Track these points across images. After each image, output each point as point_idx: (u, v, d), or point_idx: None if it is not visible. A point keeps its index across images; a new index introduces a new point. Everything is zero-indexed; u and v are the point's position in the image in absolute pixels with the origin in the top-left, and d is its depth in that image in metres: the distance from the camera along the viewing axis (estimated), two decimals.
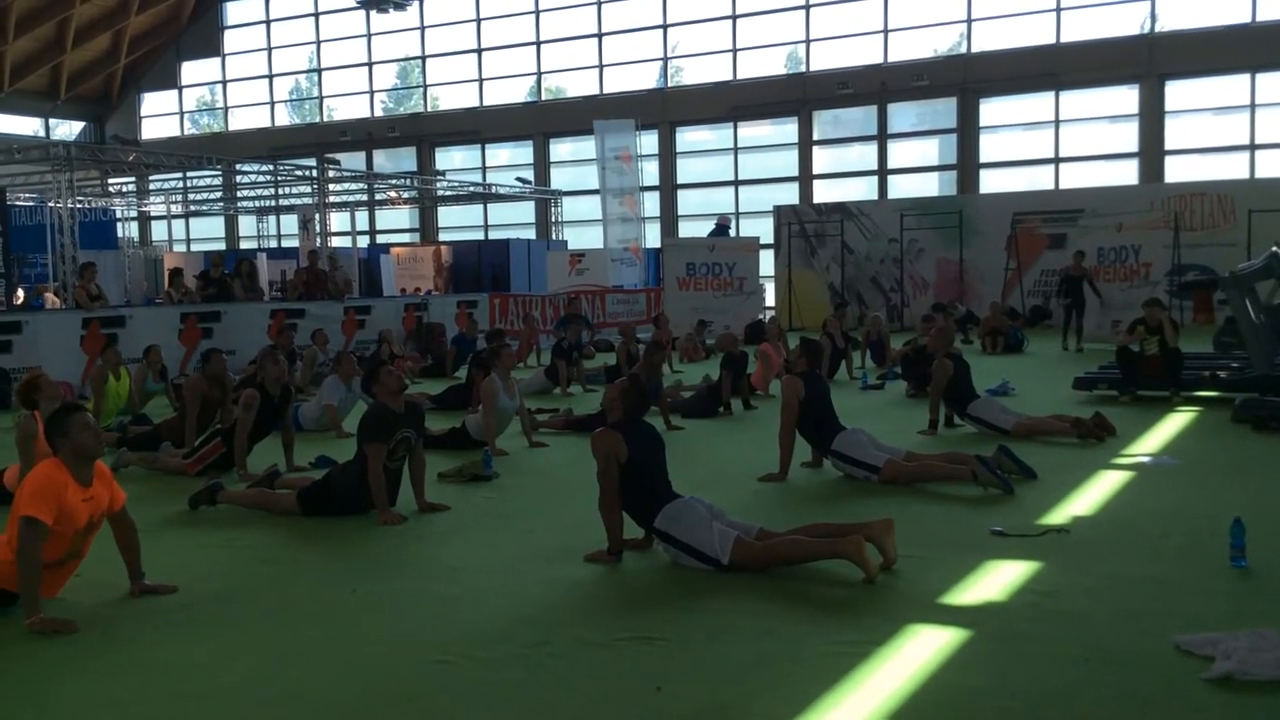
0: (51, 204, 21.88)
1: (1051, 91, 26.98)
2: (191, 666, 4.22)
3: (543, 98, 33.24)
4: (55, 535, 4.72)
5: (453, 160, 34.83)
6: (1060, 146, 27.28)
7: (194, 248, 36.75)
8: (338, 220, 32.83)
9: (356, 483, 6.60)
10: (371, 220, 35.90)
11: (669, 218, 31.46)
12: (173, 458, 8.58)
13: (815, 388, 7.64)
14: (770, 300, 26.62)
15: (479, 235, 33.37)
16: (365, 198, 31.85)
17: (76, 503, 4.78)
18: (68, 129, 38.62)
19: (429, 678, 4.02)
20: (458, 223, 35.05)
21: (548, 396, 13.13)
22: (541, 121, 32.80)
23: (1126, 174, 26.38)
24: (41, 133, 37.38)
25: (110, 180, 29.59)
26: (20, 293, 20.17)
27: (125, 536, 5.16)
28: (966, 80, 27.58)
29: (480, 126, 33.64)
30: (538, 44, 32.94)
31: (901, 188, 28.72)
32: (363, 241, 33.19)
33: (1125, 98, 26.61)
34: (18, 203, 24.79)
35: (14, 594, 4.74)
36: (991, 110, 28.06)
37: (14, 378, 12.98)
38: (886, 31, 28.64)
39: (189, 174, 29.86)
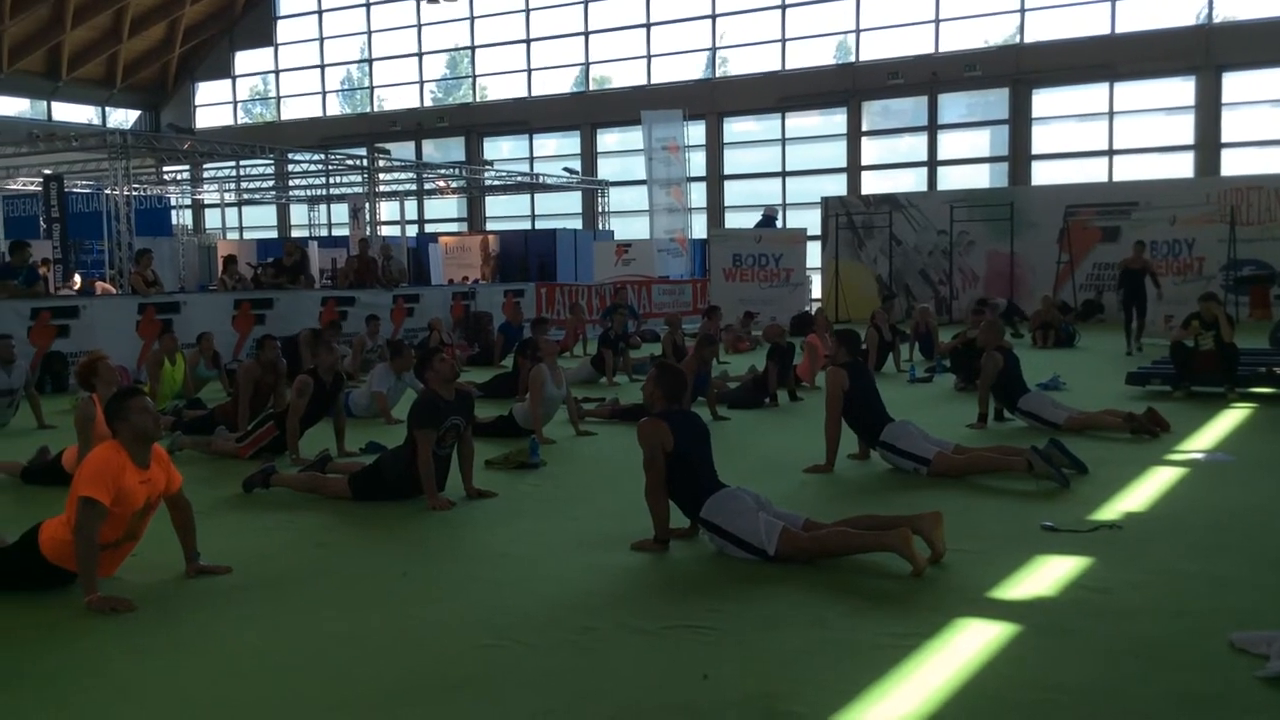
0: (108, 191, 22.26)
1: (1106, 83, 26.62)
2: (244, 646, 4.29)
3: (590, 88, 33.27)
4: (113, 516, 4.81)
5: (500, 150, 34.96)
6: (1114, 138, 26.89)
7: (246, 236, 37.23)
8: (387, 209, 33.12)
9: (406, 468, 6.67)
10: (420, 209, 36.16)
11: (715, 208, 31.39)
12: (227, 441, 8.71)
13: (860, 379, 7.61)
14: (817, 292, 26.50)
15: (526, 225, 33.51)
16: (414, 187, 32.07)
17: (134, 484, 4.87)
18: (123, 117, 39.20)
19: (477, 661, 4.06)
20: (505, 212, 35.20)
21: (594, 386, 13.16)
22: (589, 112, 32.84)
23: (1182, 167, 25.97)
24: (98, 121, 37.99)
25: (165, 168, 30.02)
26: (77, 278, 20.53)
27: (181, 518, 5.25)
28: (1019, 71, 27.27)
29: (528, 116, 33.75)
30: (586, 34, 32.97)
31: (952, 179, 28.44)
32: (411, 230, 33.43)
33: (1181, 89, 26.18)
34: (75, 190, 25.27)
35: (72, 572, 4.85)
36: (1044, 101, 27.71)
37: (72, 361, 13.26)
38: (938, 21, 28.36)
39: (242, 163, 30.21)
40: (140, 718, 3.65)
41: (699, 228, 29.98)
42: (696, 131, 30.52)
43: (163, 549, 5.32)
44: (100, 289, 19.30)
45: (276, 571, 5.36)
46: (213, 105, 39.89)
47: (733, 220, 30.34)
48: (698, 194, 30.88)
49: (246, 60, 39.07)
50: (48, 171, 23.19)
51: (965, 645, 4.13)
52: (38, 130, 31.14)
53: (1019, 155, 27.72)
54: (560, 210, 33.99)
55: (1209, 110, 25.66)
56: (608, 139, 33.39)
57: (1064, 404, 9.39)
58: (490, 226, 33.98)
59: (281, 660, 4.14)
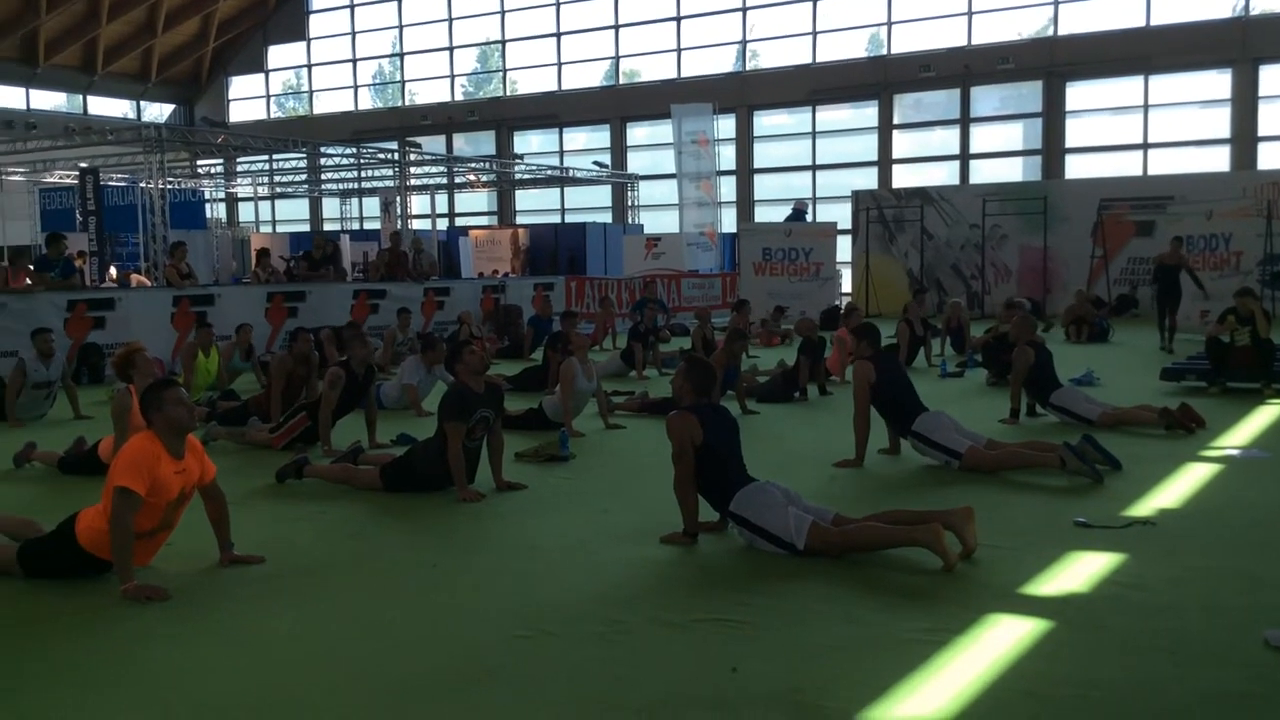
0: (143, 184, 22.45)
1: (1141, 75, 26.32)
2: (276, 635, 4.33)
3: (620, 81, 33.25)
4: (148, 506, 4.86)
5: (530, 144, 35.01)
6: (1149, 132, 26.59)
7: (279, 229, 37.47)
8: (418, 203, 33.23)
9: (436, 459, 6.71)
10: (451, 203, 36.26)
11: (745, 202, 31.31)
12: (259, 432, 8.78)
13: (887, 371, 7.57)
14: (847, 286, 26.40)
15: (556, 219, 33.53)
16: (445, 181, 32.17)
17: (169, 474, 4.92)
18: (158, 111, 39.53)
19: (507, 652, 4.08)
20: (535, 206, 35.25)
21: (624, 379, 13.17)
22: (619, 105, 32.82)
23: (1218, 160, 25.64)
24: (133, 115, 38.31)
25: (199, 162, 30.25)
26: (113, 270, 20.73)
27: (215, 508, 5.30)
28: (1053, 63, 27.02)
29: (558, 110, 33.77)
30: (616, 27, 32.94)
31: (984, 173, 28.23)
32: (442, 224, 33.55)
33: (1217, 82, 25.85)
34: (111, 183, 25.48)
35: (108, 561, 4.91)
36: (1078, 94, 27.44)
37: (108, 353, 13.40)
38: (971, 13, 28.13)
39: (275, 156, 30.40)
40: (174, 705, 3.68)
41: (728, 222, 29.92)
42: (726, 125, 30.44)
43: (197, 539, 5.38)
44: (135, 281, 19.47)
45: (309, 562, 5.40)
46: (246, 99, 40.15)
47: (762, 214, 30.26)
48: (727, 188, 30.80)
49: (279, 54, 39.29)
50: (84, 165, 23.38)
51: (996, 641, 4.11)
52: (74, 124, 31.46)
53: (1052, 149, 27.47)
54: (590, 204, 34.00)
55: (1245, 103, 25.33)
56: (637, 132, 33.36)
57: (1097, 399, 9.31)
58: (520, 220, 34.01)
59: (313, 649, 4.17)
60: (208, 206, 32.23)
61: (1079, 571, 4.97)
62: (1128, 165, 26.60)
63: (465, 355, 6.88)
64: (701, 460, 5.44)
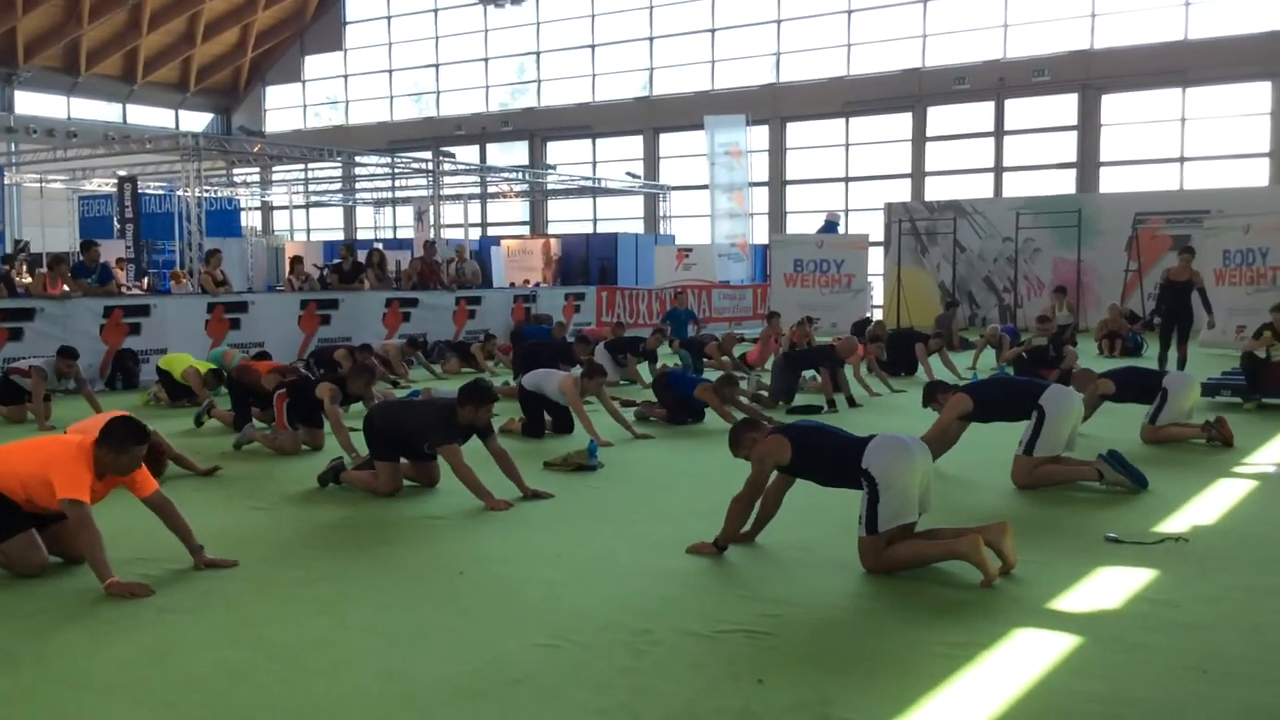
0: (180, 193, 22.69)
1: (1178, 88, 26.07)
2: (305, 642, 4.34)
3: (654, 92, 33.28)
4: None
5: (563, 154, 35.11)
6: (1186, 145, 26.32)
7: (314, 237, 37.74)
8: (451, 212, 33.37)
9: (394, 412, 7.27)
10: (484, 213, 36.39)
11: (777, 213, 31.25)
12: (277, 434, 8.78)
13: (983, 395, 7.62)
14: (879, 299, 26.29)
15: (588, 229, 33.60)
16: (478, 190, 32.30)
17: (96, 485, 5.10)
18: (196, 120, 39.95)
19: (533, 660, 4.07)
20: (567, 216, 35.34)
21: (629, 389, 13.11)
22: (652, 116, 32.86)
23: (1257, 174, 25.35)
24: (171, 124, 38.74)
25: (235, 171, 30.53)
26: (145, 283, 20.91)
27: (166, 518, 5.31)
28: (1088, 76, 26.82)
29: (591, 121, 33.85)
30: (650, 39, 33.02)
31: (1018, 186, 28.04)
32: (474, 233, 33.68)
33: (1256, 95, 25.55)
34: (148, 191, 25.80)
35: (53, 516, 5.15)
36: (1114, 107, 27.21)
37: (142, 359, 13.54)
38: (1006, 26, 27.99)
39: (310, 166, 30.60)
40: (203, 713, 3.71)
41: (760, 233, 29.88)
42: (759, 136, 30.41)
43: (228, 546, 5.41)
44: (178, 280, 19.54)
45: (336, 568, 5.42)
46: (283, 109, 40.52)
47: (795, 225, 30.19)
48: (760, 199, 30.77)
49: (316, 65, 39.63)
50: (122, 173, 23.73)
51: (1025, 657, 4.07)
52: (113, 133, 31.89)
53: (1087, 162, 27.25)
54: (622, 214, 34.05)
55: None
56: (670, 143, 33.38)
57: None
58: (552, 230, 34.11)
59: (340, 655, 4.18)
60: (243, 215, 32.49)
61: (1110, 588, 4.91)
62: (1164, 179, 26.33)
63: (482, 411, 6.88)
64: (806, 462, 5.39)
